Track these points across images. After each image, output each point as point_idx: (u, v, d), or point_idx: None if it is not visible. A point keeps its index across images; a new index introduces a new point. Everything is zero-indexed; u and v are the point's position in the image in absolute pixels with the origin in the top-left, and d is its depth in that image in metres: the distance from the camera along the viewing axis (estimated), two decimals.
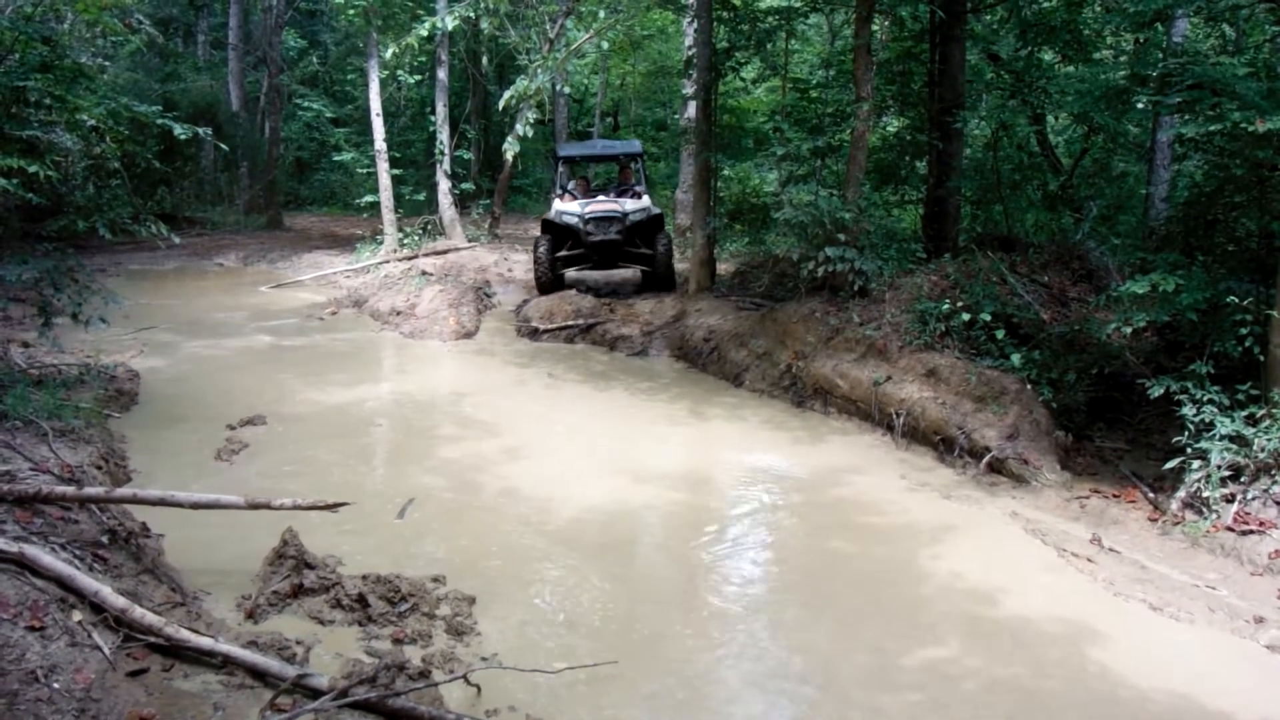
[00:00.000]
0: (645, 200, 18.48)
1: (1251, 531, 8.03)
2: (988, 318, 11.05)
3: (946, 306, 11.39)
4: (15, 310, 13.32)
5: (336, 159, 29.79)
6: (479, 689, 5.83)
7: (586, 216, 17.73)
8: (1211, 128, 8.62)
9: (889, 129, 17.12)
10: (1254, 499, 8.27)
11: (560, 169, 19.69)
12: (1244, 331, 8.82)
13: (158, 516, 7.78)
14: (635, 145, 20.24)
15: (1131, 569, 7.82)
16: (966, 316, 11.16)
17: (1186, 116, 9.45)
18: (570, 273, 18.63)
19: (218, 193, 31.83)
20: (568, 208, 18.20)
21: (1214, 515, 8.29)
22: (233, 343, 15.70)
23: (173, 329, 16.25)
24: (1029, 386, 10.35)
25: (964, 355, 11.03)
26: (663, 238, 18.19)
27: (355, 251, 22.68)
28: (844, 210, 12.59)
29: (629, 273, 19.48)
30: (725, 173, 17.93)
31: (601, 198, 18.69)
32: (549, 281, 17.92)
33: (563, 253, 18.30)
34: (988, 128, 14.78)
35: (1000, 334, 10.99)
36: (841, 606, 7.31)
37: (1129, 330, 9.52)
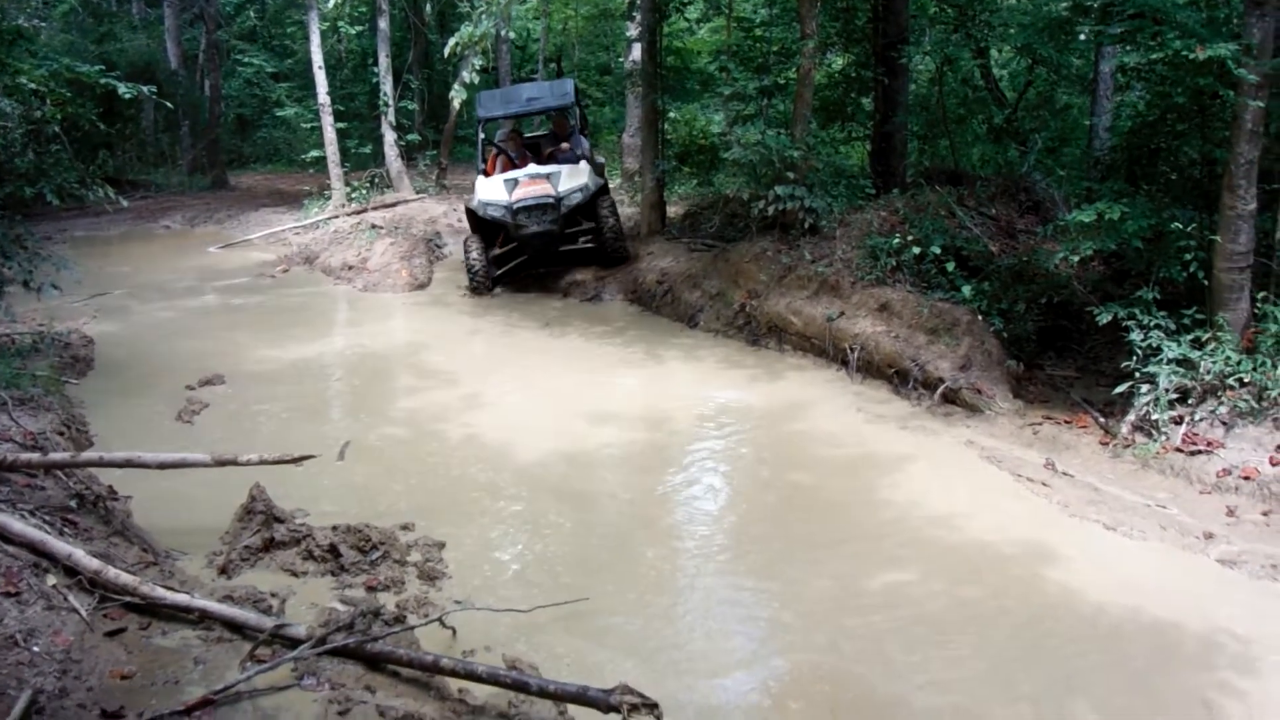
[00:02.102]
0: (582, 167, 15.82)
1: (1200, 452, 8.24)
2: (938, 251, 11.20)
3: (897, 241, 11.52)
4: None
5: (279, 115, 29.47)
6: (454, 631, 5.94)
7: (515, 206, 15.10)
8: (1153, 56, 8.77)
9: (834, 66, 17.10)
10: (1201, 420, 8.48)
11: (481, 136, 16.95)
12: (1188, 257, 9.02)
13: (124, 479, 7.85)
14: (568, 89, 17.09)
15: (1085, 491, 8.04)
16: (917, 250, 11.30)
17: (1128, 46, 9.59)
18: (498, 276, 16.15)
19: (160, 154, 31.40)
20: (492, 193, 15.42)
21: (1163, 437, 8.49)
22: (186, 304, 15.65)
23: (124, 294, 16.14)
24: (980, 318, 10.53)
25: (915, 289, 11.19)
26: (606, 204, 15.96)
27: (303, 208, 22.51)
28: (792, 149, 12.66)
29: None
30: (672, 115, 17.81)
31: (531, 171, 15.64)
32: (487, 287, 15.94)
33: (497, 250, 15.94)
34: (932, 63, 14.85)
35: (951, 267, 11.14)
36: (804, 536, 7.49)
37: (1076, 259, 9.71)
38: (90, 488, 7.50)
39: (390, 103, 22.42)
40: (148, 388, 11.18)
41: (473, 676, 5.24)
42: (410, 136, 24.43)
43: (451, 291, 16.21)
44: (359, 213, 20.76)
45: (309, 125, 26.02)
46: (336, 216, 20.84)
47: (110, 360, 12.28)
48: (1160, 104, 9.98)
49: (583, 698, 5.00)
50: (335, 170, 21.65)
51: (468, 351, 12.74)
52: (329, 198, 21.95)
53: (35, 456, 7.31)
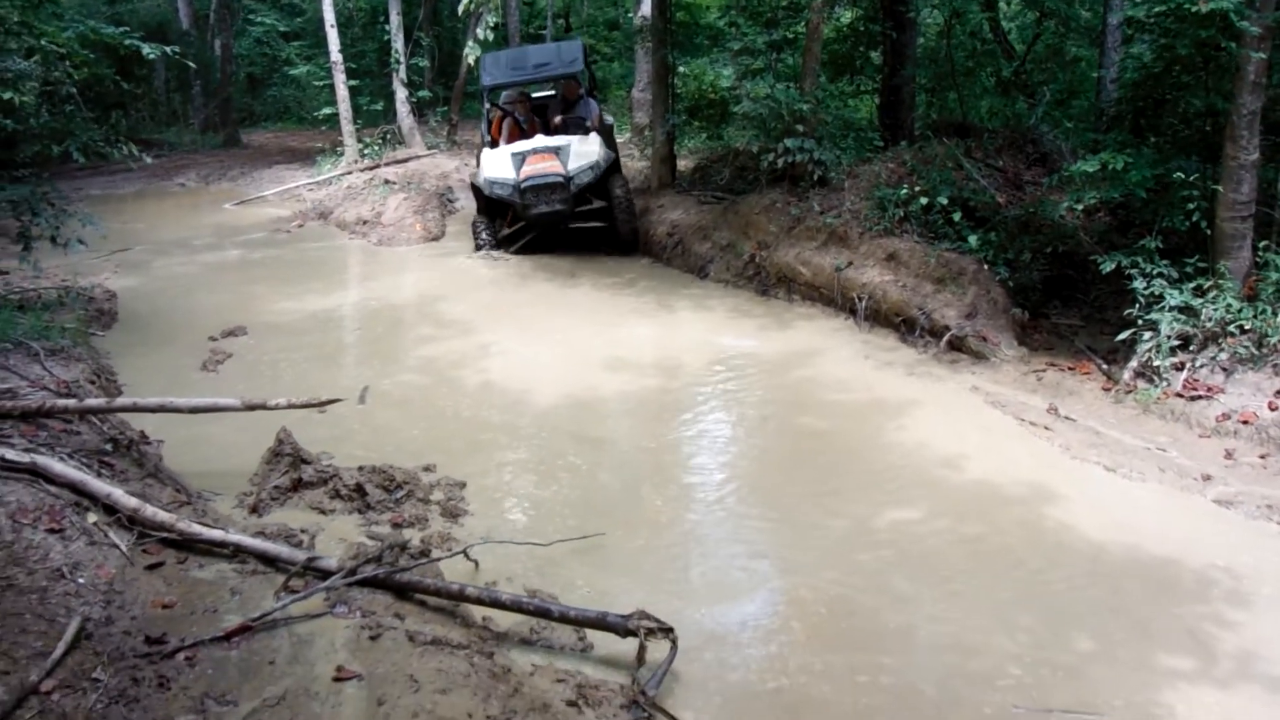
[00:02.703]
0: (593, 140, 15.19)
1: (1199, 397, 8.46)
2: (945, 202, 11.37)
3: (905, 192, 11.68)
4: None
5: (291, 73, 29.52)
6: (476, 564, 6.19)
7: (523, 185, 14.42)
8: (1157, 9, 8.90)
9: (842, 20, 17.17)
10: (1202, 366, 8.69)
11: (486, 106, 16.37)
12: (1191, 207, 9.17)
13: (154, 426, 8.10)
14: (576, 52, 16.34)
15: (1087, 435, 8.26)
16: (925, 201, 11.47)
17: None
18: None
19: (171, 113, 31.54)
20: (498, 168, 14.75)
21: (1164, 383, 8.70)
22: (204, 259, 15.87)
23: (144, 250, 16.36)
24: (986, 267, 10.72)
25: (923, 239, 11.37)
26: (619, 183, 15.47)
27: (316, 165, 22.70)
28: (801, 102, 12.81)
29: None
30: (682, 70, 17.87)
31: (539, 144, 14.91)
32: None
33: (505, 230, 15.56)
34: (941, 16, 14.92)
35: (958, 217, 11.32)
36: (814, 476, 7.73)
37: (1081, 209, 9.92)
38: (123, 433, 7.73)
39: (402, 60, 22.54)
40: (171, 339, 11.42)
41: (497, 604, 5.50)
42: (421, 93, 24.54)
43: (465, 245, 16.37)
44: (372, 168, 20.94)
45: (320, 83, 26.10)
46: (350, 172, 21.03)
47: (133, 313, 12.53)
48: (1165, 56, 10.11)
49: (602, 623, 5.28)
50: (347, 127, 21.81)
51: (482, 302, 12.93)
52: (341, 154, 22.13)
53: (71, 402, 7.50)
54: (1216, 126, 9.42)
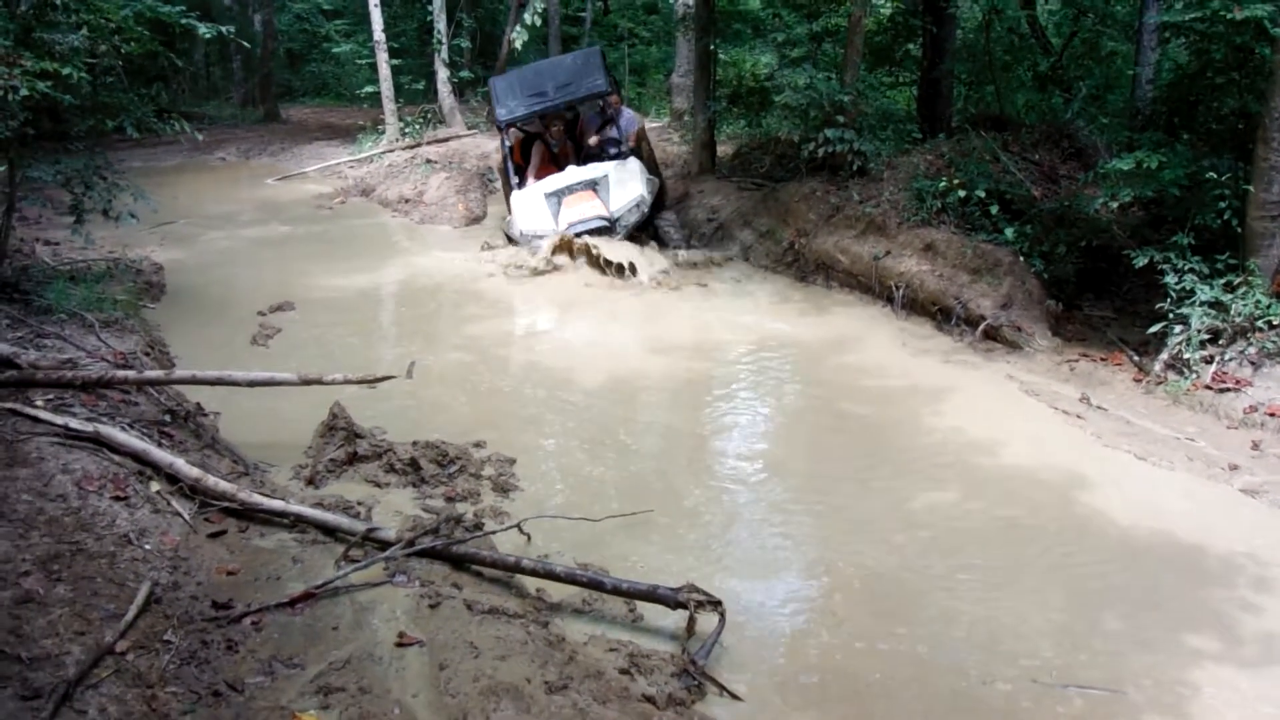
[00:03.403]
0: (632, 168, 13.98)
1: (1228, 389, 8.66)
2: (982, 194, 11.57)
3: (943, 184, 11.88)
4: (30, 211, 13.62)
5: (334, 50, 29.72)
6: (529, 537, 6.42)
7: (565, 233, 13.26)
8: (1190, 15, 9.07)
9: (883, 13, 17.32)
10: (1231, 360, 8.88)
11: (506, 144, 14.99)
12: (1223, 205, 9.36)
13: (206, 397, 8.33)
14: (596, 63, 14.96)
15: (1117, 424, 8.47)
16: (963, 193, 11.67)
17: (1169, 4, 9.87)
18: None
19: (211, 88, 31.81)
20: (534, 218, 13.63)
21: (1194, 375, 8.90)
22: (248, 233, 16.10)
23: (187, 223, 16.54)
24: (1021, 259, 10.91)
25: (959, 230, 11.56)
26: (669, 220, 14.66)
27: (357, 142, 22.93)
28: (842, 93, 13.01)
29: None
30: (722, 57, 18.01)
31: (573, 178, 13.80)
32: None
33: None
34: (980, 10, 15.07)
35: (995, 210, 11.52)
36: (852, 458, 7.97)
37: (1115, 205, 10.07)
38: (180, 404, 7.95)
39: (444, 40, 22.74)
40: (220, 313, 11.65)
41: (552, 576, 5.75)
42: (463, 73, 24.72)
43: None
44: (413, 147, 21.17)
45: (362, 61, 26.31)
46: (391, 150, 21.26)
47: (181, 286, 12.75)
48: (1200, 59, 10.27)
49: (653, 595, 5.52)
50: (389, 105, 22.04)
51: (527, 283, 13.06)
52: (383, 132, 22.36)
53: (131, 374, 7.70)
54: (1249, 127, 9.59)
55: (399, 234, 16.45)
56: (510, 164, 14.87)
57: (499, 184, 19.23)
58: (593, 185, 13.54)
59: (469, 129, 22.96)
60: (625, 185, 13.60)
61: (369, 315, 11.68)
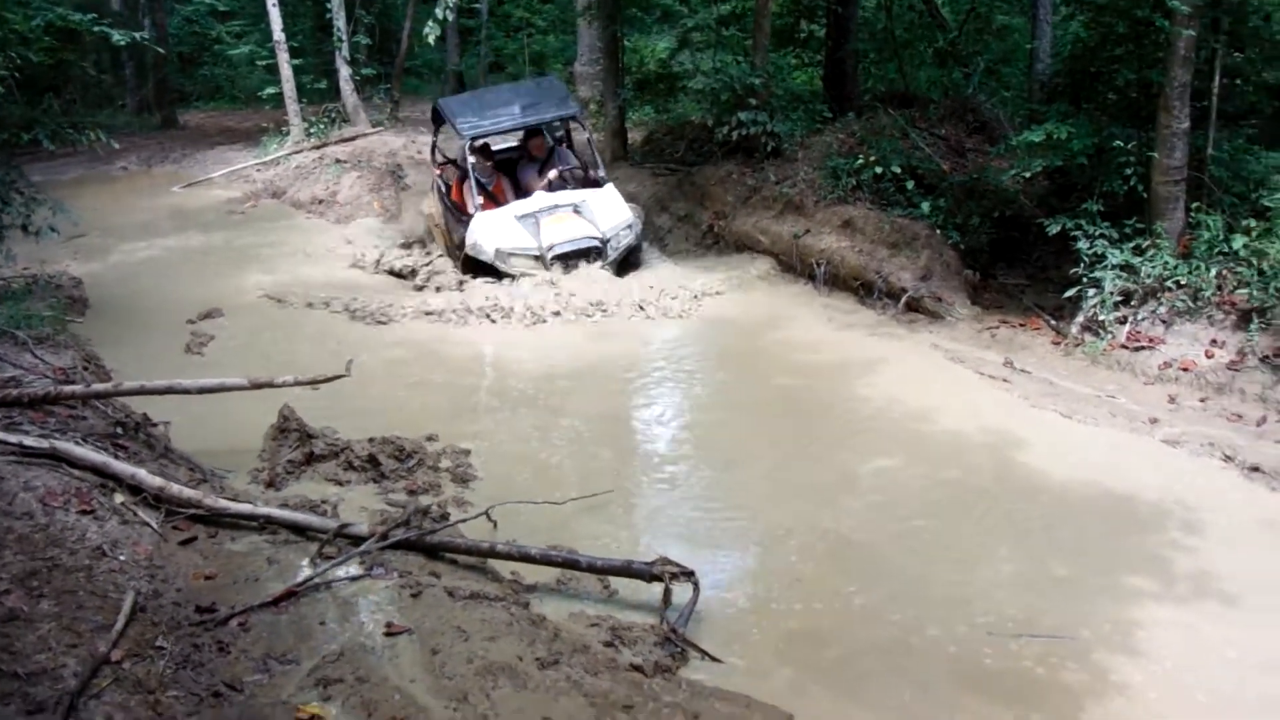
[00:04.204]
0: (611, 193, 12.62)
1: (1142, 348, 9.14)
2: (897, 170, 11.96)
3: (860, 161, 12.24)
4: None
5: (230, 53, 29.31)
6: (495, 524, 6.61)
7: (551, 254, 11.77)
8: None
9: None
10: (1143, 319, 9.36)
11: (470, 159, 12.83)
12: (1128, 172, 9.83)
13: (147, 407, 8.25)
14: (562, 88, 14.15)
15: (1042, 385, 8.90)
16: (878, 170, 12.03)
17: None
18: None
19: (104, 95, 31.17)
20: (507, 236, 11.90)
21: (1109, 336, 9.37)
22: (164, 242, 15.95)
23: (98, 235, 16.22)
24: (937, 232, 11.33)
25: (875, 206, 11.94)
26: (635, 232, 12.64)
27: (261, 145, 22.67)
28: (753, 76, 13.30)
29: None
30: (628, 45, 18.18)
31: (547, 200, 12.31)
32: None
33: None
34: None
35: (910, 186, 11.90)
36: (796, 432, 8.33)
37: (1027, 175, 10.51)
38: (129, 416, 7.97)
39: (344, 37, 22.60)
40: (148, 323, 11.59)
41: (527, 558, 5.97)
42: (366, 70, 24.59)
43: (423, 222, 16.59)
44: (319, 147, 21.03)
45: (261, 62, 26.00)
46: (298, 151, 21.10)
47: (104, 299, 12.65)
48: (1100, 32, 10.72)
49: (628, 570, 5.78)
50: (293, 106, 21.86)
51: (452, 276, 12.90)
52: (287, 133, 22.16)
53: (79, 388, 7.69)
54: (1149, 96, 10.04)
55: (315, 235, 16.35)
56: (448, 196, 13.34)
57: (409, 178, 19.25)
58: (574, 208, 12.16)
59: (374, 126, 22.87)
60: (611, 208, 12.32)
61: (300, 316, 11.67)
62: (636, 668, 5.10)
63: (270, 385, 7.81)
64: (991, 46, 15.78)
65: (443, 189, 13.56)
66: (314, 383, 7.90)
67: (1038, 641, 5.51)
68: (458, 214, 12.84)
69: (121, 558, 5.61)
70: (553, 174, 13.01)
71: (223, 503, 6.49)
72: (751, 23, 14.64)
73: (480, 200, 12.40)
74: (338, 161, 19.39)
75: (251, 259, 14.54)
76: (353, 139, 21.66)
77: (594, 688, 4.79)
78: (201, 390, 7.85)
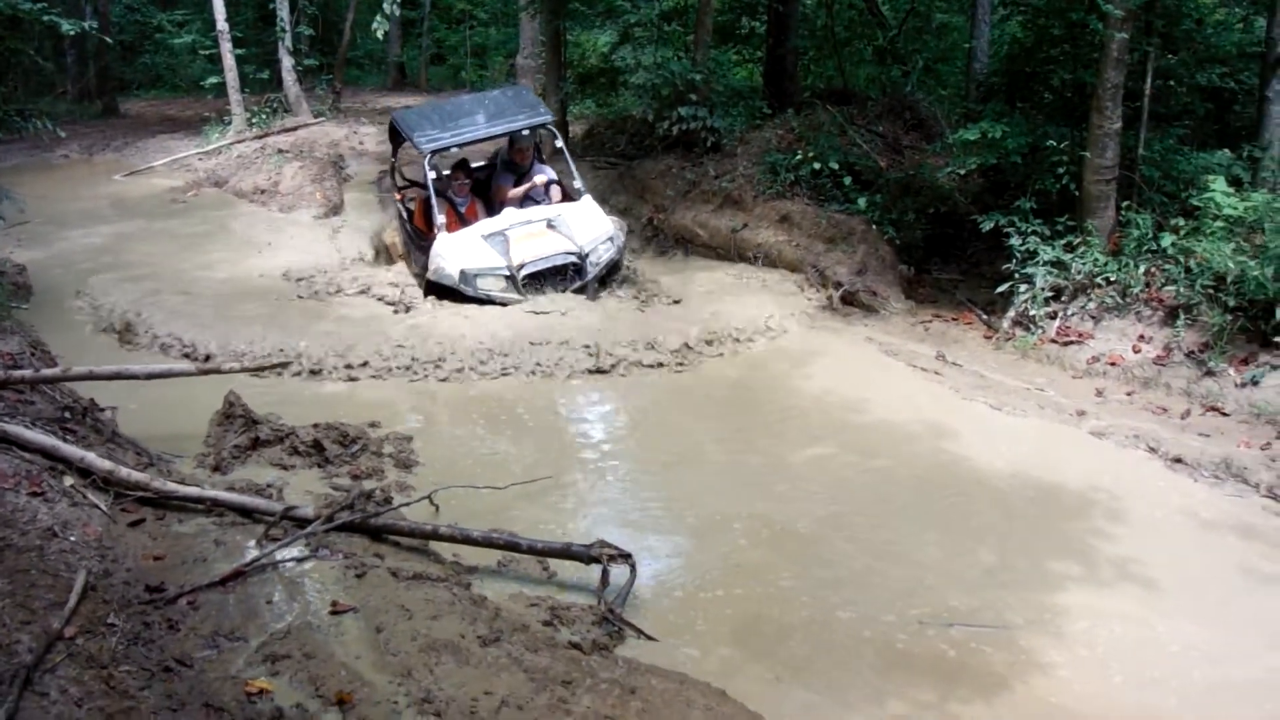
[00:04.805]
0: (589, 206, 11.66)
1: (1072, 342, 9.47)
2: (835, 166, 12.20)
3: (798, 157, 12.46)
4: None
5: (174, 42, 29.02)
6: (437, 508, 6.78)
7: (522, 274, 10.72)
8: None
9: None
10: (1073, 315, 9.68)
11: (431, 175, 11.66)
12: (1061, 171, 10.16)
13: (96, 393, 8.26)
14: (529, 97, 12.97)
15: (973, 378, 9.17)
16: (816, 166, 12.25)
17: None
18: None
19: (44, 83, 30.80)
20: (471, 256, 10.86)
21: (1040, 330, 9.70)
22: (106, 230, 15.84)
23: (41, 223, 16.18)
24: (873, 227, 11.59)
25: (813, 202, 12.19)
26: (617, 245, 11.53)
27: (203, 134, 22.50)
28: (694, 72, 13.49)
29: None
30: (571, 39, 18.28)
31: (515, 217, 11.31)
32: None
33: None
34: None
35: (848, 182, 12.14)
36: (731, 421, 8.55)
37: (963, 173, 10.79)
38: (76, 401, 8.01)
39: (288, 28, 22.52)
40: (93, 310, 11.58)
41: (469, 541, 6.12)
42: (308, 60, 24.50)
43: (365, 213, 16.62)
44: (262, 137, 20.96)
45: (205, 51, 25.78)
46: (240, 141, 21.02)
47: (48, 286, 12.62)
48: (1036, 33, 11.00)
49: (567, 553, 5.95)
50: (235, 96, 21.75)
51: (396, 267, 13.02)
52: (229, 123, 22.06)
53: (28, 373, 7.69)
54: (1082, 97, 10.36)
55: (258, 224, 16.22)
56: (410, 223, 12.33)
57: (351, 168, 19.18)
58: (547, 223, 11.18)
59: (315, 117, 22.83)
60: (589, 221, 11.28)
61: (244, 304, 11.59)
62: (575, 645, 5.27)
63: (217, 371, 7.96)
64: (930, 45, 16.08)
65: (404, 215, 12.50)
66: (261, 369, 8.02)
67: (964, 622, 5.74)
68: (420, 239, 11.80)
69: (72, 538, 5.69)
70: (519, 191, 11.97)
71: (170, 486, 6.57)
72: (693, 19, 14.82)
73: (443, 220, 11.33)
74: (280, 152, 19.36)
75: (194, 247, 14.49)
76: (294, 129, 21.60)
77: (534, 664, 4.95)
78: (149, 376, 7.94)
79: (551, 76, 16.89)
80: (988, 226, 10.32)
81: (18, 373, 7.76)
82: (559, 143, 12.51)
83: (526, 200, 11.84)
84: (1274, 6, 9.87)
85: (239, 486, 6.95)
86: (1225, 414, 8.30)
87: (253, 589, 5.55)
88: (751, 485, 7.38)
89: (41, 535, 5.60)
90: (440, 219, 11.27)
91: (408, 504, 6.71)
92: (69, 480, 6.38)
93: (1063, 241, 9.90)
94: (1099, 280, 9.59)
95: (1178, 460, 7.61)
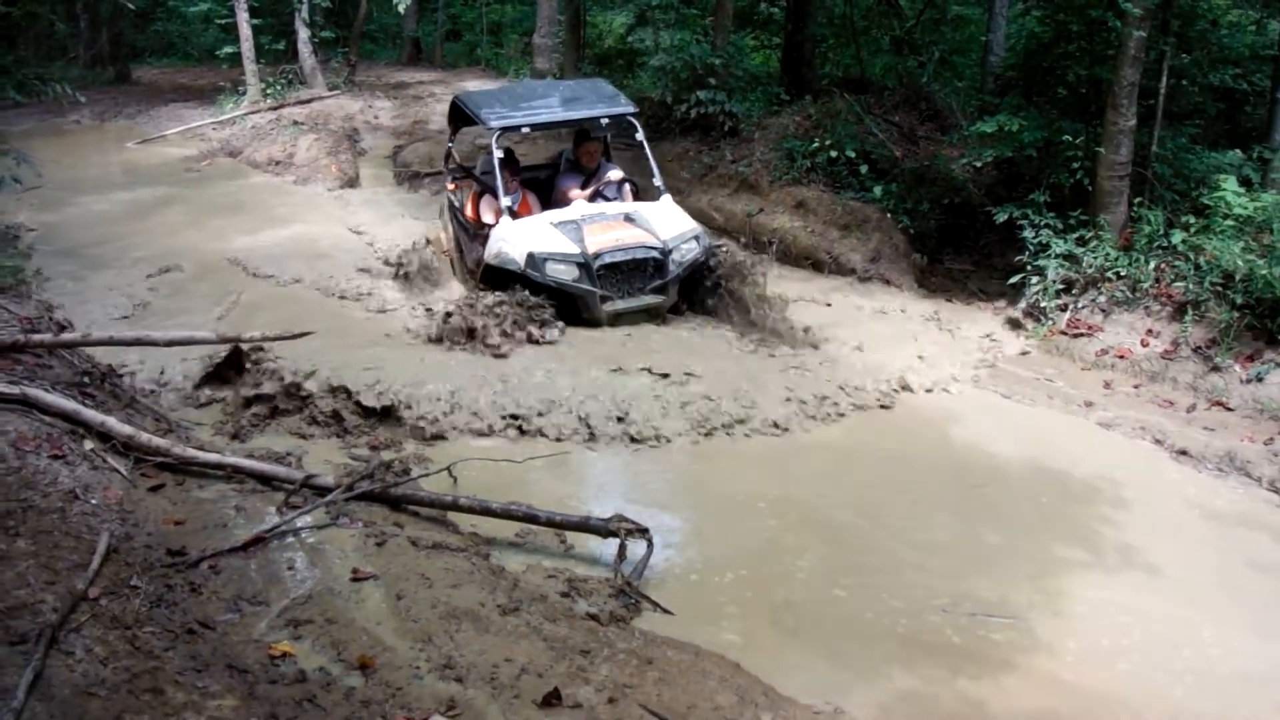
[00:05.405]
0: (668, 205, 10.40)
1: (1081, 334, 9.58)
2: (852, 154, 12.31)
3: (816, 144, 12.55)
4: None
5: (190, 9, 29.00)
6: (455, 480, 6.81)
7: (597, 263, 9.44)
8: None
9: None
10: (1083, 308, 9.78)
11: (497, 154, 10.26)
12: (1075, 165, 10.27)
13: (112, 358, 8.33)
14: (608, 89, 11.49)
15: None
16: (833, 153, 12.34)
17: None
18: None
19: (57, 47, 30.82)
20: (540, 240, 9.61)
21: (1050, 322, 9.81)
22: (120, 197, 15.93)
23: (54, 188, 15.92)
24: (888, 216, 11.68)
25: (829, 189, 12.29)
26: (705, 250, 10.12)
27: (217, 104, 22.59)
28: (714, 56, 13.57)
29: None
30: (589, 19, 18.35)
31: (589, 209, 10.12)
32: None
33: None
34: None
35: (864, 170, 12.23)
36: (739, 395, 8.37)
37: (979, 165, 10.86)
38: (95, 366, 8.07)
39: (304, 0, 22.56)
40: (106, 276, 11.66)
41: (488, 512, 6.21)
42: (325, 33, 24.51)
43: (380, 187, 16.71)
44: (276, 108, 21.05)
45: (222, 20, 25.78)
46: (255, 112, 21.08)
47: (63, 251, 12.70)
48: (1055, 28, 11.08)
49: (586, 526, 6.05)
50: (250, 66, 21.79)
51: (412, 235, 12.68)
52: (244, 93, 22.10)
53: (47, 337, 7.67)
54: (1098, 94, 10.46)
55: (273, 196, 16.30)
56: (461, 214, 11.14)
57: (365, 142, 19.21)
58: (624, 216, 10.01)
59: (330, 90, 22.88)
60: (672, 218, 10.13)
61: (259, 275, 11.67)
62: (593, 616, 5.37)
63: (238, 340, 7.96)
64: (947, 37, 16.15)
65: (456, 205, 11.33)
66: (281, 339, 8.03)
67: (972, 599, 5.86)
68: (475, 231, 10.67)
69: (93, 501, 5.74)
70: (587, 191, 10.64)
71: (191, 451, 6.62)
72: (713, 2, 14.87)
73: (507, 202, 10.12)
74: (295, 123, 19.44)
75: (207, 216, 14.56)
76: (309, 101, 21.69)
77: (553, 633, 5.05)
78: (170, 343, 7.93)
79: (570, 56, 16.98)
80: (1001, 218, 10.42)
81: (37, 336, 7.76)
82: (640, 135, 10.84)
83: (596, 199, 10.55)
84: None
85: (258, 454, 7.02)
86: (1230, 409, 8.43)
87: (273, 555, 5.62)
88: (762, 461, 7.49)
89: (63, 498, 5.65)
90: (505, 201, 10.05)
91: (426, 475, 6.79)
92: (89, 444, 6.40)
93: (1075, 235, 10.00)
94: (1109, 274, 9.70)
95: (1183, 453, 7.72)
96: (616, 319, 9.52)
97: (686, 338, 9.56)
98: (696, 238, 9.94)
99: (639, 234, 9.67)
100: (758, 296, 9.99)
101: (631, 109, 10.83)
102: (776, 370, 8.75)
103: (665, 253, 9.58)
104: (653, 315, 9.69)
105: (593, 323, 9.52)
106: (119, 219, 14.60)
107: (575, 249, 9.47)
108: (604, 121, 10.68)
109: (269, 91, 21.92)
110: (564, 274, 9.46)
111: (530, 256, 9.45)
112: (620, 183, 10.72)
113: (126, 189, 16.60)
